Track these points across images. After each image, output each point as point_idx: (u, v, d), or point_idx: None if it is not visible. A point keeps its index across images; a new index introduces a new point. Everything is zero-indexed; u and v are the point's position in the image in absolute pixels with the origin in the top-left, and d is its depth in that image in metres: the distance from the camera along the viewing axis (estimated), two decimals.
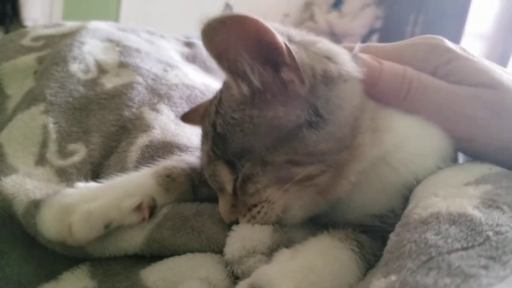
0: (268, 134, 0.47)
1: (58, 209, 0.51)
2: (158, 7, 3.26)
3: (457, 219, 0.35)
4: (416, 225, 0.36)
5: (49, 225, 0.50)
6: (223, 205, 0.54)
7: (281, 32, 0.48)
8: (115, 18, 3.11)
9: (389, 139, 0.50)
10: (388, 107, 0.51)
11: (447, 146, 0.51)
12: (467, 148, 0.51)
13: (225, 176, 0.52)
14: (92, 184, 0.57)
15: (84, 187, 0.56)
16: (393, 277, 0.31)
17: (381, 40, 3.88)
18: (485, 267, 0.29)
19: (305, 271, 0.43)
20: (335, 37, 3.38)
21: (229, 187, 0.53)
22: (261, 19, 0.43)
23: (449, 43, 0.53)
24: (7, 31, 2.38)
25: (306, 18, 3.83)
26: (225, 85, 0.51)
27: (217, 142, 0.51)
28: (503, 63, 3.31)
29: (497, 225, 0.34)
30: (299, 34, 0.50)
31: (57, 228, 0.50)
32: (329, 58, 0.49)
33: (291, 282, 0.41)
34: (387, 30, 3.79)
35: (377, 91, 0.51)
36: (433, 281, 0.28)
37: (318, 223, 0.52)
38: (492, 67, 0.51)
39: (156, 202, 0.56)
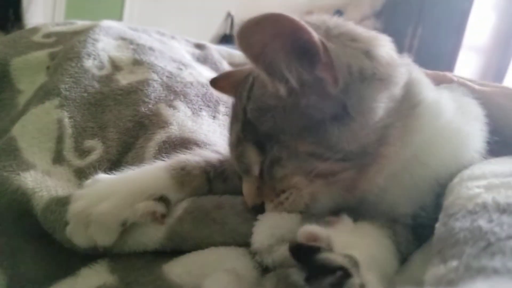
0: (297, 121, 0.47)
1: (76, 219, 0.50)
2: (161, 13, 3.28)
3: (507, 208, 0.34)
4: (464, 214, 0.36)
5: (76, 238, 0.50)
6: (248, 188, 0.52)
7: (318, 26, 0.47)
8: None
9: (418, 138, 0.49)
10: (426, 99, 0.50)
11: (481, 141, 0.52)
12: None
13: (253, 158, 0.51)
14: (102, 178, 0.55)
15: (93, 182, 0.55)
16: (454, 263, 0.30)
17: None
18: None
19: (365, 244, 0.42)
20: None
21: (256, 169, 0.52)
22: (296, 17, 0.42)
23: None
24: None
25: None
26: (258, 76, 0.50)
27: (247, 126, 0.51)
28: (500, 75, 3.35)
29: None
30: (337, 27, 0.49)
31: (84, 238, 0.50)
32: (367, 53, 0.47)
33: (358, 250, 0.39)
34: None
35: None
36: (501, 264, 0.28)
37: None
38: None
39: (169, 199, 0.54)
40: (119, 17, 3.17)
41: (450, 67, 3.22)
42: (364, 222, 0.48)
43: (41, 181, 0.57)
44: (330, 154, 0.46)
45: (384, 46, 0.50)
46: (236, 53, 1.12)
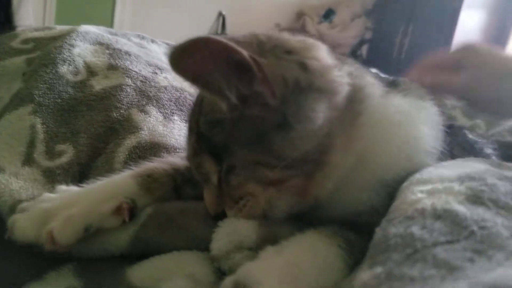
0: (244, 132, 0.48)
1: (37, 214, 0.51)
2: (152, 14, 3.28)
3: (442, 214, 0.35)
4: (402, 220, 0.37)
5: (27, 228, 0.50)
6: (208, 197, 0.54)
7: (250, 43, 0.48)
8: (108, 27, 3.12)
9: (361, 146, 0.50)
10: (369, 107, 0.51)
11: (430, 142, 0.53)
12: None
13: (210, 167, 0.53)
14: (72, 188, 0.57)
15: (65, 190, 0.56)
16: (378, 269, 0.31)
17: (370, 50, 3.94)
18: (471, 260, 0.29)
19: (290, 266, 0.43)
20: None
21: (214, 179, 0.53)
22: (224, 39, 0.43)
23: None
24: None
25: (297, 29, 3.87)
26: None
27: (201, 138, 0.52)
28: None
29: (482, 220, 0.34)
30: (270, 41, 0.50)
31: (35, 232, 0.50)
32: (301, 64, 0.48)
33: (275, 278, 0.41)
34: (377, 41, 3.85)
35: None
36: (419, 272, 0.29)
37: (304, 220, 0.52)
38: None
39: (136, 203, 0.55)
40: (110, 19, 3.16)
41: None
42: (310, 232, 0.49)
43: (5, 185, 0.57)
44: (276, 162, 0.47)
45: (320, 56, 0.50)
46: None
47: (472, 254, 0.30)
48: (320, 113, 0.47)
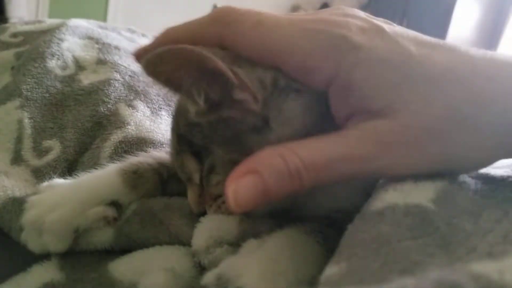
0: (221, 133, 0.48)
1: (30, 228, 0.52)
2: (146, 8, 3.26)
3: (412, 211, 0.36)
4: (372, 216, 0.37)
5: (32, 246, 0.53)
6: (191, 196, 0.55)
7: (227, 51, 0.47)
8: (102, 20, 3.10)
9: None
10: None
11: None
12: None
13: (192, 167, 0.53)
14: (55, 185, 0.58)
15: (47, 188, 0.57)
16: (342, 264, 0.32)
17: None
18: (431, 255, 0.30)
19: (270, 261, 0.43)
20: None
21: (196, 178, 0.54)
22: (199, 48, 0.41)
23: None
24: None
25: None
26: None
27: (181, 139, 0.53)
28: None
29: (449, 216, 0.35)
30: None
31: (38, 245, 0.52)
32: (279, 68, 0.46)
33: (256, 271, 0.42)
34: None
35: None
36: (379, 266, 0.29)
37: (285, 217, 0.53)
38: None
39: (121, 207, 0.57)
40: (104, 11, 3.15)
41: None
42: (290, 229, 0.49)
43: None
44: None
45: None
46: None
47: (434, 249, 0.30)
48: (299, 113, 0.47)
